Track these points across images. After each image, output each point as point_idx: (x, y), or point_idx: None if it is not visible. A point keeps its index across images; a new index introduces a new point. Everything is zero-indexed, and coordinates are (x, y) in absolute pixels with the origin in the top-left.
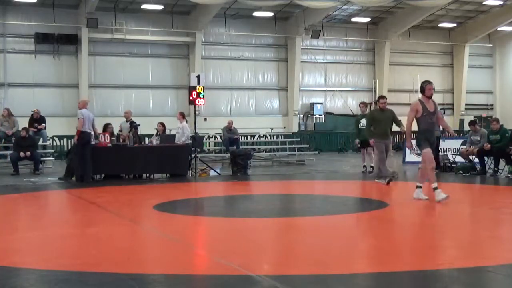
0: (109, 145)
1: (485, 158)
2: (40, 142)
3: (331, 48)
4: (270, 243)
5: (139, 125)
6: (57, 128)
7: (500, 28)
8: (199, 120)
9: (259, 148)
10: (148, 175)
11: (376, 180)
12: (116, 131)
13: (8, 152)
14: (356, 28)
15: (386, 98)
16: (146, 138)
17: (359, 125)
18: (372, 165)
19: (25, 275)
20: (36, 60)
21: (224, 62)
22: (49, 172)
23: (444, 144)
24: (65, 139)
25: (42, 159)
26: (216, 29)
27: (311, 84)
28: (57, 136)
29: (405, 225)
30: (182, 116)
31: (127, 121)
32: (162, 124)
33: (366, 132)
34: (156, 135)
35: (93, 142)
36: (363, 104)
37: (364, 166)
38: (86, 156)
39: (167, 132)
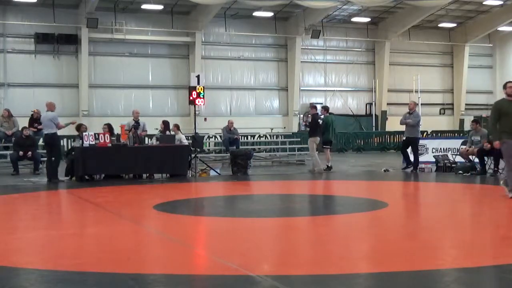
0: (109, 145)
1: (485, 158)
2: (40, 142)
3: (331, 48)
4: (270, 243)
5: (138, 124)
6: None
7: (500, 28)
8: (199, 120)
9: (259, 148)
10: (148, 175)
11: (506, 190)
12: (117, 131)
13: (8, 152)
14: (356, 28)
15: None
16: (147, 139)
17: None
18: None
19: (25, 275)
20: (36, 60)
21: (224, 62)
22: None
23: (444, 144)
24: (65, 139)
25: (42, 159)
26: (216, 29)
27: (311, 84)
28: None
29: (405, 225)
30: (177, 127)
31: (134, 120)
32: (164, 123)
33: (492, 132)
34: (160, 132)
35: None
36: (323, 109)
37: (327, 165)
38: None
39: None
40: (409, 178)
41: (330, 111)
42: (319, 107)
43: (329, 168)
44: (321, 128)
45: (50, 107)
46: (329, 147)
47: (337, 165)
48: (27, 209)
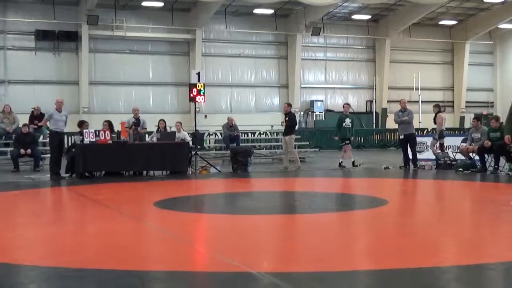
0: (110, 142)
1: (485, 155)
2: (40, 139)
3: (332, 45)
4: (270, 240)
5: (139, 122)
6: None
7: (501, 26)
8: (199, 117)
9: (259, 145)
10: (148, 172)
11: None
12: (117, 128)
13: (9, 149)
14: (356, 25)
15: None
16: (146, 136)
17: (344, 124)
18: (353, 160)
19: (25, 272)
20: (36, 57)
21: (225, 59)
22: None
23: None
24: (65, 136)
25: (42, 156)
26: (216, 26)
27: (312, 82)
28: None
29: (405, 222)
30: (181, 125)
31: (135, 118)
32: (164, 121)
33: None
34: (158, 131)
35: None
36: (347, 105)
37: (342, 161)
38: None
39: (167, 129)
40: (409, 176)
41: (333, 109)
42: (319, 104)
43: (355, 165)
44: (295, 126)
45: (56, 104)
46: (347, 143)
47: (338, 163)
48: (28, 206)
